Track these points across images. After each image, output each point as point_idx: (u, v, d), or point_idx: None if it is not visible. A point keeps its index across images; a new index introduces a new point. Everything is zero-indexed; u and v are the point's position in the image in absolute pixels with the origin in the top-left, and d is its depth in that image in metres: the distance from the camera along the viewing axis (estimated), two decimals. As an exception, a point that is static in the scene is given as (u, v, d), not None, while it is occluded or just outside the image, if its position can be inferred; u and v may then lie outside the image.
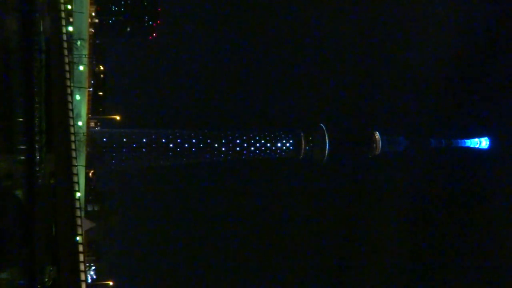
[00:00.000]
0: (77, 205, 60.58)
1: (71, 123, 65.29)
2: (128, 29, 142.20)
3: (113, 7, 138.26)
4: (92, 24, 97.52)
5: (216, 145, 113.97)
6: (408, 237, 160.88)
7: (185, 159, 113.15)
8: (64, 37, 67.11)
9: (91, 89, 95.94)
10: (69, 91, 68.11)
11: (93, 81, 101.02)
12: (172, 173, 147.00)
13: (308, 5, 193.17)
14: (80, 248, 56.29)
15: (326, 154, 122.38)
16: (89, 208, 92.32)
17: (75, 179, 60.89)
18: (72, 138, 62.97)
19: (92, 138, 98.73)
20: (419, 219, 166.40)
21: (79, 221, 57.50)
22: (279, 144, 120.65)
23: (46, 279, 56.92)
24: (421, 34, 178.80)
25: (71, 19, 78.53)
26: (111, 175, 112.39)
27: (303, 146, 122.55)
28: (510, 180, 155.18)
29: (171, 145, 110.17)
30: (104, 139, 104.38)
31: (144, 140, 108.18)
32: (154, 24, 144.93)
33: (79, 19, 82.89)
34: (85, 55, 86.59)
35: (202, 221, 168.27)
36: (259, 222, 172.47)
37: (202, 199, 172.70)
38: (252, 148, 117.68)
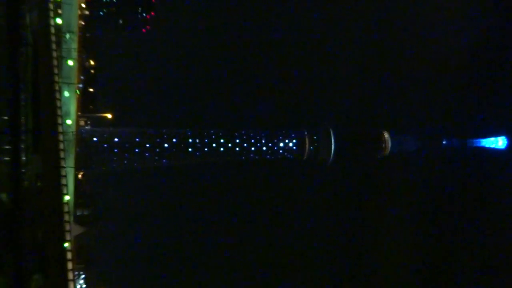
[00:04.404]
0: (66, 209, 60.67)
1: (59, 121, 65.39)
2: (120, 22, 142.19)
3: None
4: (81, 16, 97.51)
5: (214, 145, 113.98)
6: (420, 244, 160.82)
7: (181, 160, 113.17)
8: (52, 30, 67.25)
9: (80, 85, 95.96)
10: (57, 87, 68.27)
11: (83, 77, 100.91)
12: (167, 175, 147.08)
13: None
14: (69, 255, 56.42)
15: (331, 155, 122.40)
16: (79, 213, 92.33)
17: (64, 181, 61.02)
18: (61, 137, 63.09)
19: (81, 137, 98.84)
20: (432, 224, 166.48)
21: (67, 227, 57.62)
22: (281, 144, 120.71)
23: (33, 288, 57.05)
24: (433, 27, 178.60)
25: (59, 11, 78.67)
26: (102, 177, 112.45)
27: (307, 146, 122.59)
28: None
29: (166, 145, 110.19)
30: (95, 139, 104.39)
31: (137, 139, 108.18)
32: (148, 16, 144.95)
33: (68, 10, 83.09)
34: (74, 49, 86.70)
35: (200, 226, 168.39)
36: (260, 228, 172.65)
37: (199, 202, 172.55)
38: (253, 149, 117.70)
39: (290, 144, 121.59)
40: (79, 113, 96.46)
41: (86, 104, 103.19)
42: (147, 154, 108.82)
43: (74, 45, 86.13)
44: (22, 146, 60.63)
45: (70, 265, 55.26)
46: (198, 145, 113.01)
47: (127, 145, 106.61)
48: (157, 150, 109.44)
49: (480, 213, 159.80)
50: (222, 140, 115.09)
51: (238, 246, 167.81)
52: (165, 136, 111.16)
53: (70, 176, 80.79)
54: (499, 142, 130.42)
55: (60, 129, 63.56)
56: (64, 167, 64.63)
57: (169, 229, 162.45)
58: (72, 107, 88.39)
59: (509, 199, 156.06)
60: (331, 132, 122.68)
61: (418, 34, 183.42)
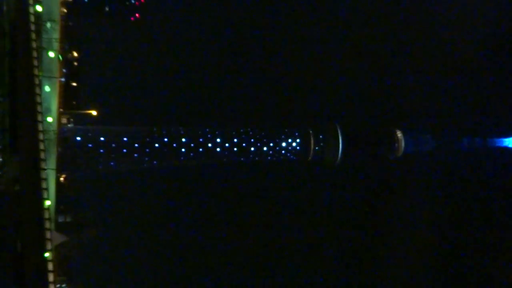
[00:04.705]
0: (46, 215, 60.63)
1: (40, 119, 65.42)
2: (107, 9, 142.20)
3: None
4: (64, 3, 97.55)
5: (209, 145, 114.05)
6: (440, 259, 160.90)
7: (173, 161, 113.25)
8: (32, 18, 67.25)
9: (63, 79, 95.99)
10: (37, 81, 68.32)
11: (66, 70, 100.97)
12: (158, 178, 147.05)
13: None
14: (50, 266, 56.37)
15: (339, 156, 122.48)
16: (60, 219, 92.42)
17: (44, 185, 60.99)
18: (41, 136, 63.10)
19: (64, 136, 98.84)
20: (453, 235, 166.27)
21: (48, 235, 57.57)
22: (283, 144, 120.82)
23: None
24: (453, 17, 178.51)
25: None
26: (87, 180, 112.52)
27: (312, 146, 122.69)
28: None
29: (156, 145, 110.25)
30: (78, 138, 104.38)
31: (125, 139, 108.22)
32: (137, 3, 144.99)
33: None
34: (56, 39, 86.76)
35: (194, 235, 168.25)
36: (259, 238, 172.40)
37: (193, 208, 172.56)
38: (252, 149, 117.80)
39: (294, 144, 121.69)
40: (61, 110, 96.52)
41: (68, 100, 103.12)
42: (136, 155, 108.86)
43: (56, 35, 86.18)
44: (-1, 146, 60.72)
45: (51, 277, 55.27)
46: (192, 145, 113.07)
47: (113, 145, 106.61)
48: (147, 150, 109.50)
49: (506, 220, 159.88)
50: (218, 140, 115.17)
51: (235, 260, 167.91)
52: (156, 135, 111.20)
53: (51, 179, 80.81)
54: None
55: (40, 127, 63.59)
56: (45, 169, 64.63)
57: (160, 238, 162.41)
58: (54, 103, 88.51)
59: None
60: (339, 131, 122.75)
61: (436, 22, 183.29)
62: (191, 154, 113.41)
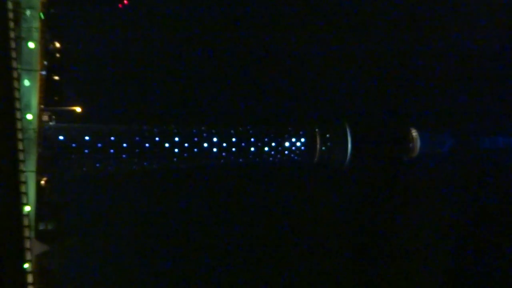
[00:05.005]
0: (26, 222, 60.52)
1: (18, 116, 65.34)
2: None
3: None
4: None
5: (205, 144, 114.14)
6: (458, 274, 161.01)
7: (165, 162, 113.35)
8: (9, 5, 67.17)
9: (44, 73, 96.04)
10: (15, 75, 68.22)
11: (47, 62, 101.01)
12: (149, 180, 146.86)
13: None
14: (30, 278, 56.29)
15: (348, 157, 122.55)
16: (41, 227, 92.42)
17: (23, 188, 60.89)
18: (20, 135, 63.00)
19: (45, 135, 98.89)
20: (472, 244, 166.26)
21: (28, 244, 57.48)
22: (286, 144, 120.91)
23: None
24: (476, 16, 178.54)
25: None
26: (70, 183, 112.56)
27: (318, 146, 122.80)
28: None
29: (147, 145, 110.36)
30: (61, 137, 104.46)
31: (113, 138, 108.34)
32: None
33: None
34: (36, 28, 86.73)
35: (187, 243, 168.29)
36: (259, 249, 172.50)
37: (185, 214, 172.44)
38: (252, 149, 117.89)
39: (298, 144, 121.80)
40: (42, 106, 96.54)
41: (50, 95, 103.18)
42: (124, 156, 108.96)
43: (36, 24, 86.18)
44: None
45: (31, 291, 55.21)
46: (186, 144, 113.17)
47: (100, 145, 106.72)
48: (137, 150, 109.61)
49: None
50: (215, 139, 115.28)
51: (232, 271, 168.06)
52: (146, 134, 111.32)
53: (31, 182, 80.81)
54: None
55: (19, 125, 63.47)
56: (24, 172, 64.51)
57: (151, 247, 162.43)
58: (34, 99, 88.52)
59: None
60: (348, 129, 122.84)
61: (454, 11, 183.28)
62: (185, 154, 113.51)
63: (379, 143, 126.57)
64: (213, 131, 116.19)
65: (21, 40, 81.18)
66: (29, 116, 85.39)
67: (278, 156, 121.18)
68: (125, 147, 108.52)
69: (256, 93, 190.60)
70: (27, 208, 61.42)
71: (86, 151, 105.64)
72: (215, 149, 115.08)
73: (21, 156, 61.32)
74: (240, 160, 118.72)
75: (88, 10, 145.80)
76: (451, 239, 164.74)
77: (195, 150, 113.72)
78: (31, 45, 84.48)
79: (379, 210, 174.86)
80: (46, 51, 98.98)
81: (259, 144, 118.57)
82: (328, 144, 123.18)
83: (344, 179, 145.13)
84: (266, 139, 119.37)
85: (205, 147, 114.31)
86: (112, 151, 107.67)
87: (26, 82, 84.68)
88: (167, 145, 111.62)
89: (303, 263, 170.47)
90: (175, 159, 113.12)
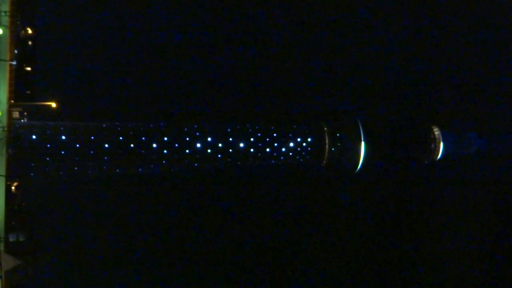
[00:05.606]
0: (-5, 233, 60.87)
1: (-14, 112, 65.74)
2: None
3: None
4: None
5: (198, 145, 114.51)
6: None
7: (150, 165, 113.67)
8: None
9: (14, 63, 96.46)
10: (-18, 65, 68.66)
11: (17, 51, 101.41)
12: (134, 185, 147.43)
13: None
14: (-1, 296, 56.61)
15: (361, 159, 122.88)
16: (12, 238, 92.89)
17: (-8, 195, 61.31)
18: (-13, 134, 63.41)
19: (16, 134, 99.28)
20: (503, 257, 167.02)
21: (-3, 257, 57.88)
22: (291, 144, 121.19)
23: None
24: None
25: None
26: (45, 189, 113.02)
27: (327, 146, 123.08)
28: None
29: (131, 145, 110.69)
30: (34, 137, 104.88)
31: (92, 137, 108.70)
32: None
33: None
34: (5, 12, 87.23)
35: (180, 254, 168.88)
36: (262, 260, 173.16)
37: (176, 224, 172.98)
38: (252, 150, 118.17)
39: (304, 144, 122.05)
40: (12, 101, 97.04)
41: (21, 89, 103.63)
42: (105, 158, 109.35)
43: (6, 7, 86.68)
44: None
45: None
46: (176, 145, 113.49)
47: (78, 146, 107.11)
48: (120, 151, 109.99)
49: None
50: (209, 139, 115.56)
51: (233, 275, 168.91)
52: (131, 133, 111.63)
53: (0, 187, 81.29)
54: None
55: (-14, 123, 63.77)
56: (-8, 176, 64.78)
57: (134, 262, 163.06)
58: (3, 93, 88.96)
59: None
60: (360, 127, 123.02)
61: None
62: (175, 156, 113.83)
63: (396, 143, 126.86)
64: (207, 129, 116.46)
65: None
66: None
67: (282, 158, 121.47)
68: (106, 147, 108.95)
69: (258, 89, 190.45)
70: (-5, 217, 61.85)
71: (62, 152, 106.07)
72: (209, 150, 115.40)
73: (-11, 158, 61.79)
74: (238, 162, 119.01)
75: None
76: (480, 255, 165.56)
77: (187, 151, 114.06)
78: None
79: (396, 218, 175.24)
80: (16, 38, 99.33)
81: (259, 144, 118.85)
82: (339, 144, 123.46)
83: (356, 184, 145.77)
84: (267, 139, 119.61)
85: (198, 148, 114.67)
86: (92, 152, 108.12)
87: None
88: (154, 146, 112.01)
89: (307, 269, 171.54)
90: (164, 162, 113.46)
